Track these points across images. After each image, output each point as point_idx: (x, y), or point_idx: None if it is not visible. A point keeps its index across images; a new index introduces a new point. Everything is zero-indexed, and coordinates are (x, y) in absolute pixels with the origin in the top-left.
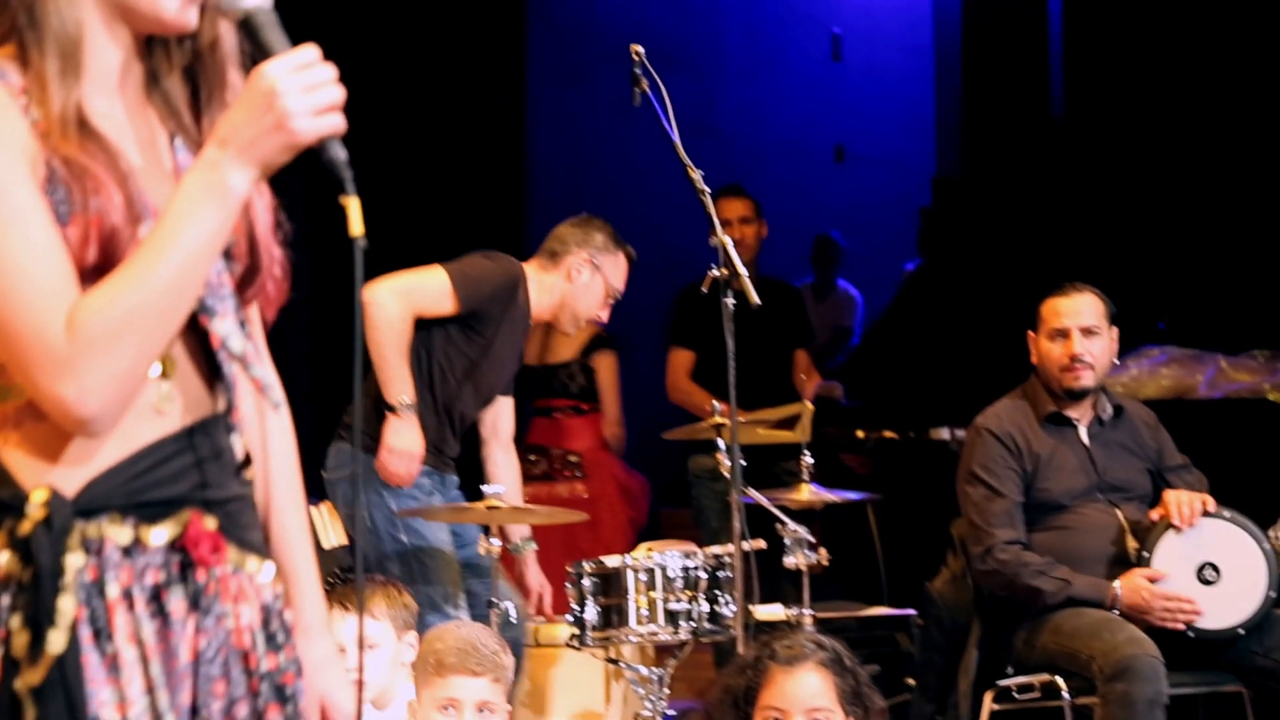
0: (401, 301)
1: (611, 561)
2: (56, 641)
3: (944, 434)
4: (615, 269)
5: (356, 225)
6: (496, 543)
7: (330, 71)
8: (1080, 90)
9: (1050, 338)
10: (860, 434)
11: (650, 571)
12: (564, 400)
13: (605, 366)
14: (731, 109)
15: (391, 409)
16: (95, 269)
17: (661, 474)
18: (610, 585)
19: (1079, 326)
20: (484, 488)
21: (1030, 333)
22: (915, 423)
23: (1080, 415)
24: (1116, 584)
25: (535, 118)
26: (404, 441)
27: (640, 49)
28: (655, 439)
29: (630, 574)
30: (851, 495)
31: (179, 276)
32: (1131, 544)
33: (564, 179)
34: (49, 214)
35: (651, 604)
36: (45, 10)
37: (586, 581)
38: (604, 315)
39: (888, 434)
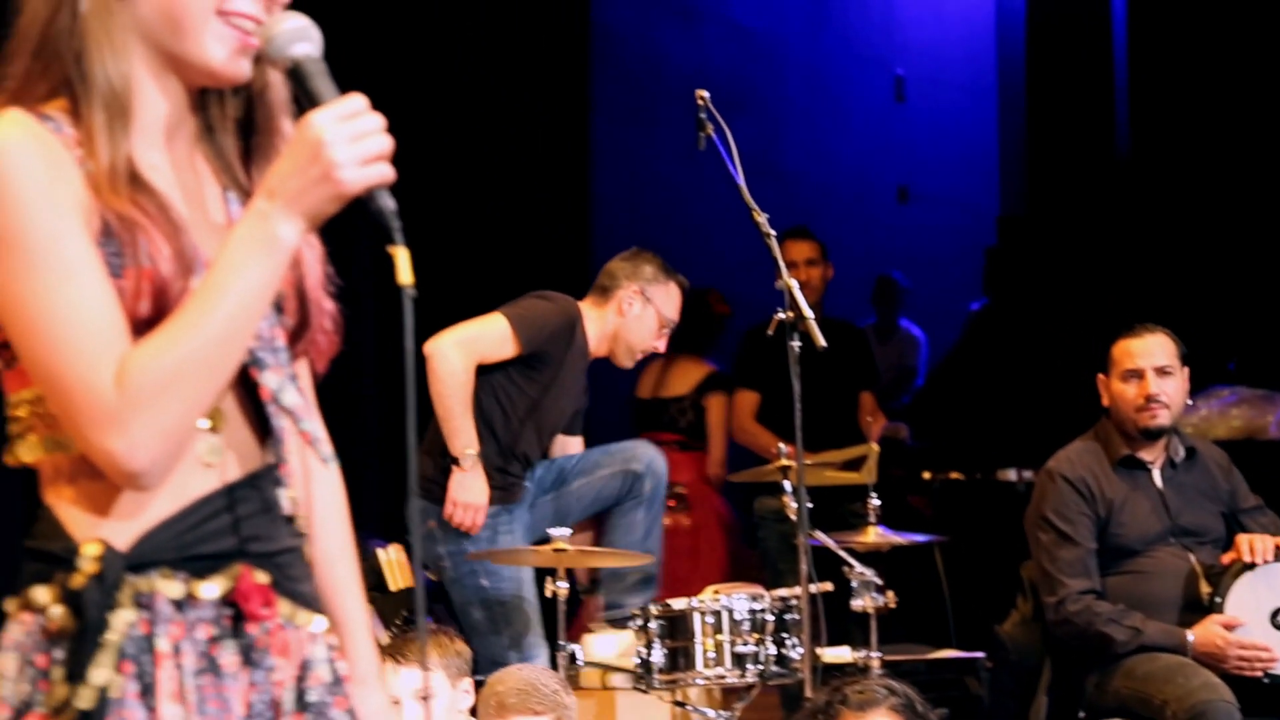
0: (464, 352)
1: (678, 604)
2: (85, 698)
3: (1011, 475)
4: (667, 299)
5: (405, 274)
6: (564, 585)
7: (378, 120)
8: (1145, 128)
9: (1124, 379)
10: (926, 475)
11: (717, 614)
12: (672, 434)
13: (715, 407)
14: (795, 149)
15: (456, 461)
16: (147, 321)
17: None
18: (677, 628)
19: (1153, 366)
20: (550, 531)
21: (1101, 375)
22: (982, 464)
23: (1153, 458)
24: (1190, 632)
25: (599, 159)
26: (470, 494)
27: (705, 94)
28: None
29: (697, 616)
30: (918, 538)
31: (228, 329)
32: (1205, 588)
33: (628, 220)
34: (102, 267)
35: (718, 647)
36: (93, 64)
37: (653, 624)
38: (660, 345)
39: (954, 475)
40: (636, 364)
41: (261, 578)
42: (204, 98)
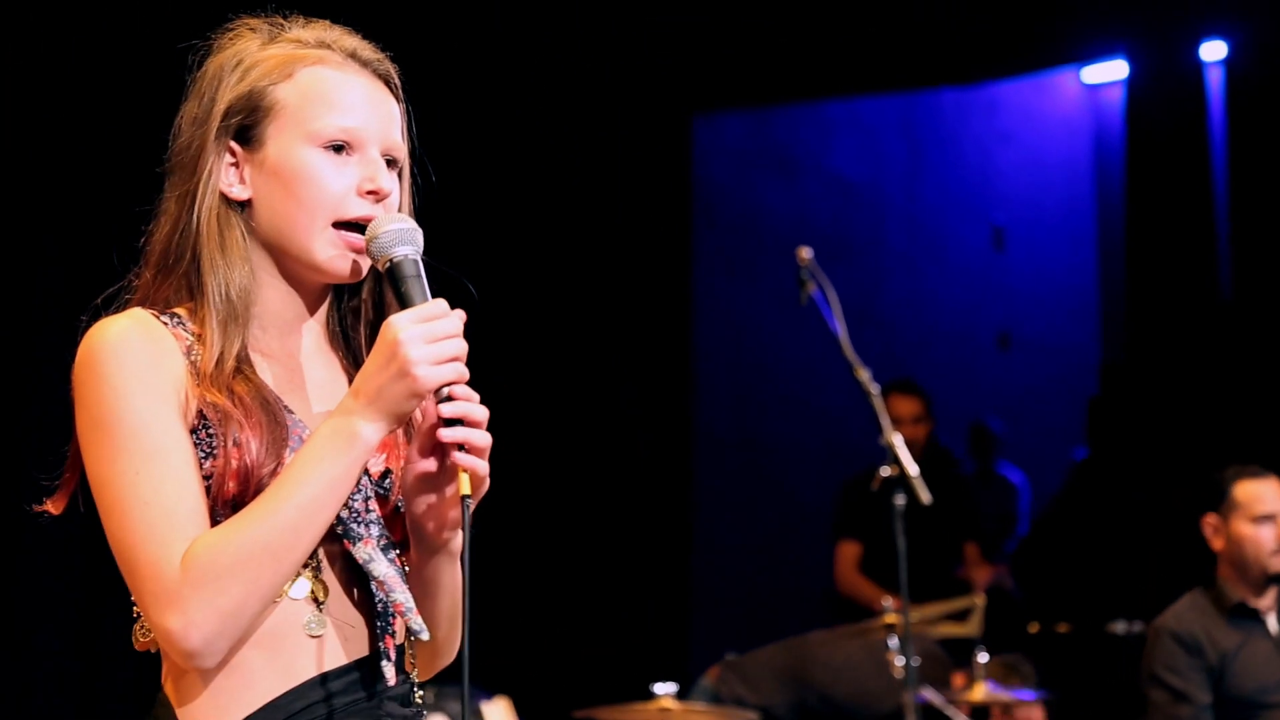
0: None
1: None
2: None
3: (1120, 627)
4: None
5: (465, 486)
6: None
7: (456, 324)
8: (1247, 271)
9: (1255, 522)
10: (1033, 628)
11: None
12: None
13: None
14: (895, 298)
15: None
16: (235, 502)
17: None
18: None
19: None
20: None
21: (1212, 517)
22: (1090, 616)
23: (1266, 606)
24: None
25: (701, 311)
26: None
27: (807, 253)
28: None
29: None
30: (1026, 695)
31: (296, 520)
32: None
33: (729, 371)
34: (190, 452)
35: None
36: (208, 277)
37: None
38: None
39: (1061, 628)
40: None
41: None
42: (335, 289)
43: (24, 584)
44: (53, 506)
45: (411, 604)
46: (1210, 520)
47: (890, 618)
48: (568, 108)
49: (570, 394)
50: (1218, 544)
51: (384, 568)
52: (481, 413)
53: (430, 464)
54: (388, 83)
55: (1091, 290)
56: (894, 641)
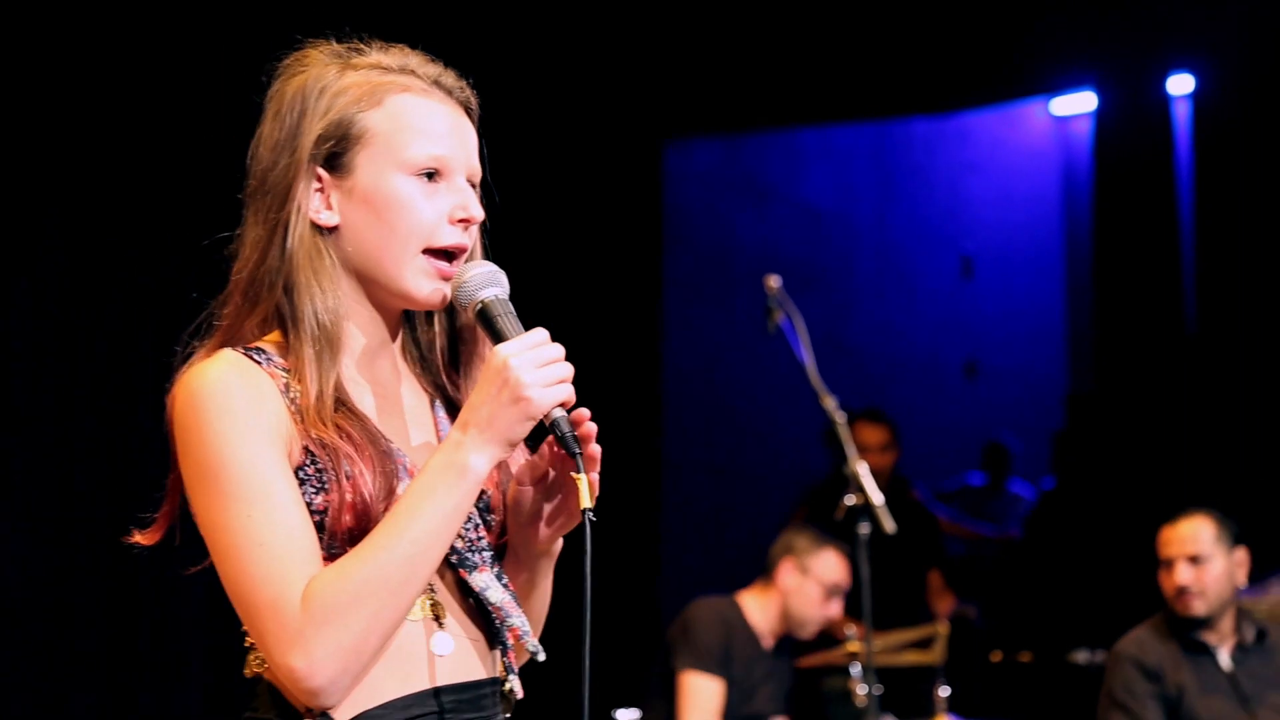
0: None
1: None
2: None
3: (1082, 657)
4: (825, 565)
5: (586, 499)
6: None
7: (559, 349)
8: (1212, 303)
9: (1163, 567)
10: (996, 657)
11: None
12: None
13: None
14: (864, 326)
15: None
16: (351, 535)
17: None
18: None
19: (1185, 555)
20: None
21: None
22: (1052, 645)
23: (1219, 641)
24: None
25: (671, 337)
26: None
27: (775, 282)
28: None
29: None
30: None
31: (413, 554)
32: None
33: (699, 397)
34: (296, 492)
35: None
36: (302, 303)
37: None
38: (833, 610)
39: (1024, 657)
40: None
41: None
42: (411, 313)
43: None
44: (146, 538)
45: (528, 627)
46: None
47: (853, 645)
48: (539, 133)
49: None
50: None
51: (499, 594)
52: (594, 428)
53: (543, 483)
54: (467, 109)
55: (1058, 320)
56: (857, 669)
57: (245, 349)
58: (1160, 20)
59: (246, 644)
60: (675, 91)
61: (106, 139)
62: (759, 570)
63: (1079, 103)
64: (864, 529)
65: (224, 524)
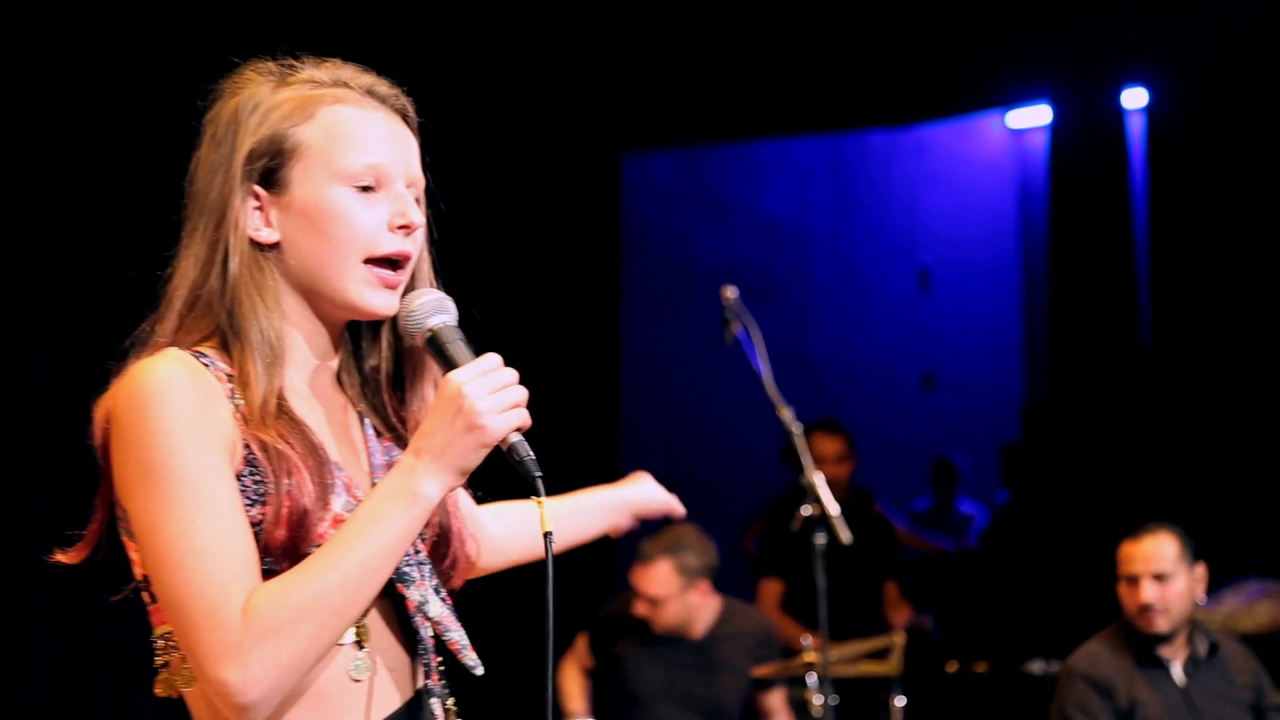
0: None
1: None
2: None
3: (1037, 667)
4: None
5: (549, 523)
6: None
7: (512, 374)
8: (1167, 317)
9: (1125, 583)
10: (952, 667)
11: None
12: None
13: None
14: (822, 338)
15: None
16: (285, 548)
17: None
18: None
19: (1150, 573)
20: None
21: (1118, 573)
22: (1007, 656)
23: (1173, 655)
24: None
25: (629, 349)
26: None
27: (732, 293)
28: None
29: None
30: None
31: (359, 576)
32: None
33: (657, 409)
34: (238, 502)
35: None
36: (248, 322)
37: None
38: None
39: (979, 667)
40: None
41: None
42: (351, 329)
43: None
44: (70, 557)
45: (466, 641)
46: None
47: (810, 656)
48: (498, 144)
49: None
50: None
51: (438, 608)
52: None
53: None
54: (404, 117)
55: (1015, 332)
56: (813, 679)
57: (191, 350)
58: (1114, 34)
59: (158, 662)
60: (634, 104)
61: (106, 139)
62: (714, 582)
63: (1034, 116)
64: (820, 539)
65: (165, 528)
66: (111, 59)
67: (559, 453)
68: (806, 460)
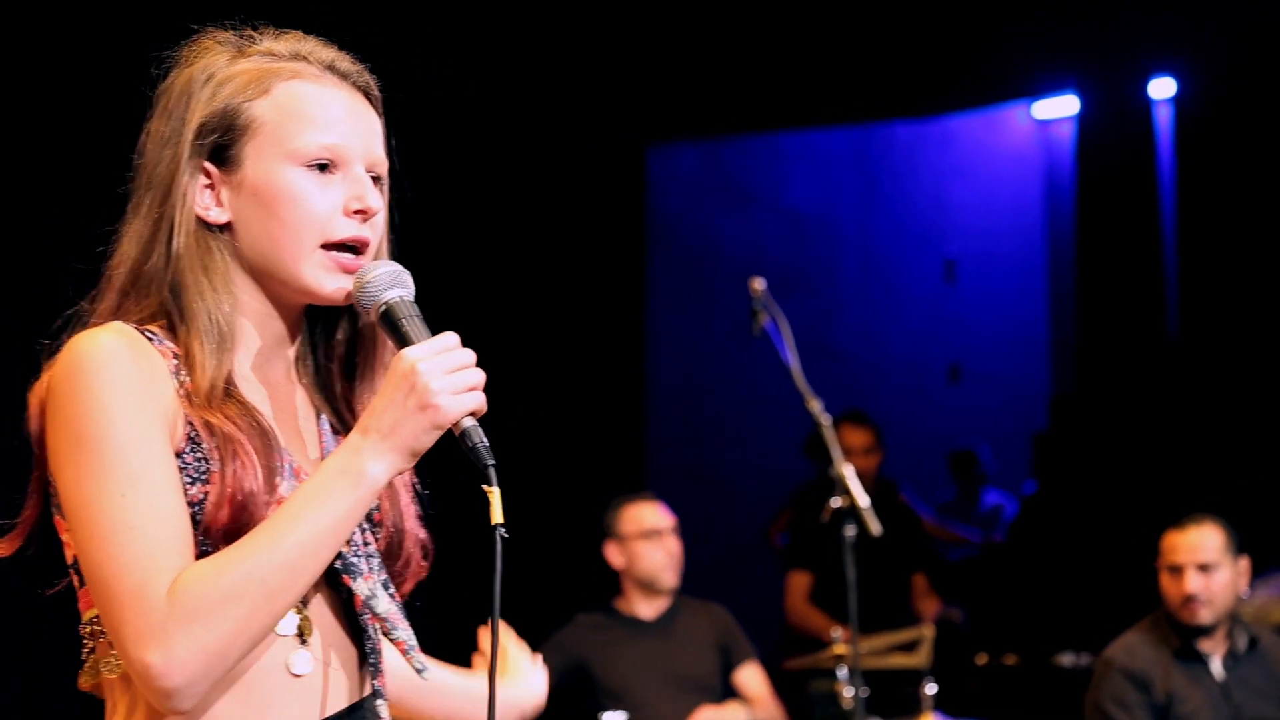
0: None
1: None
2: None
3: (1067, 660)
4: (629, 520)
5: (497, 514)
6: None
7: (470, 355)
8: (1195, 308)
9: (1169, 573)
10: (981, 660)
11: None
12: None
13: None
14: (848, 330)
15: None
16: (227, 531)
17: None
18: None
19: (1195, 563)
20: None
21: (1159, 564)
22: (1037, 648)
23: (1212, 648)
24: None
25: (655, 342)
26: None
27: (760, 284)
28: (775, 667)
29: None
30: None
31: (295, 559)
32: None
33: (682, 401)
34: (177, 479)
35: None
36: (193, 302)
37: None
38: (668, 546)
39: (1009, 660)
40: None
41: None
42: (309, 316)
43: None
44: (2, 548)
45: (414, 641)
46: (1159, 567)
47: (839, 648)
48: (522, 139)
49: (523, 422)
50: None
51: (385, 604)
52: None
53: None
54: (367, 95)
55: (1041, 323)
56: (843, 672)
57: (137, 326)
58: (1141, 23)
59: (84, 651)
60: (658, 96)
61: (106, 139)
62: (740, 575)
63: (1061, 106)
64: (850, 531)
65: (94, 502)
66: (111, 59)
67: (585, 445)
68: (836, 452)
